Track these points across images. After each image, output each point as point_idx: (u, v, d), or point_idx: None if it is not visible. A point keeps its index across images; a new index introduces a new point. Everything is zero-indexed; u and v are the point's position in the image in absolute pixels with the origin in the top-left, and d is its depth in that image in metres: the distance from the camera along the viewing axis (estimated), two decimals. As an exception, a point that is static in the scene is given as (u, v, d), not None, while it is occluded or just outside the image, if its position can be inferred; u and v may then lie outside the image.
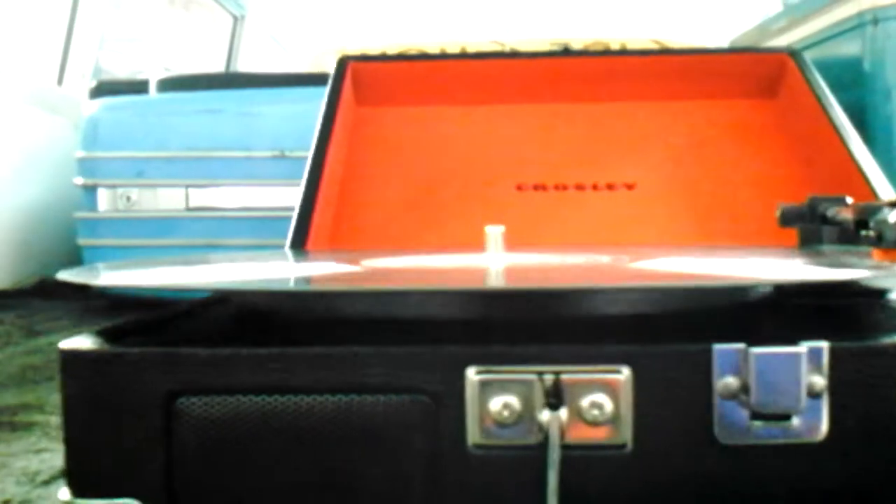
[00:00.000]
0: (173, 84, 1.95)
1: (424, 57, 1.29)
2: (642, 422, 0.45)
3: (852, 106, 1.34)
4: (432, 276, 0.60)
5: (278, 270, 0.66)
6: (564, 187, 1.23)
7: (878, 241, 0.53)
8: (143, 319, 0.55)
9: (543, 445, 0.45)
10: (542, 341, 0.46)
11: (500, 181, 1.24)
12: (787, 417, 0.45)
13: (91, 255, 1.91)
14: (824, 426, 0.45)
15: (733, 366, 0.45)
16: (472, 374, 0.45)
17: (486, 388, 0.45)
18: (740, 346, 0.45)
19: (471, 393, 0.45)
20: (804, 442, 0.45)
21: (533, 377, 0.45)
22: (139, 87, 2.04)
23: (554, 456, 0.44)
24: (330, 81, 1.24)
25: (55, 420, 0.96)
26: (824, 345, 0.45)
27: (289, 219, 1.11)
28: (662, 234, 1.16)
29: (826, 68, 1.28)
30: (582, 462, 0.45)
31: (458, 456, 0.46)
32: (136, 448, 0.46)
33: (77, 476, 0.47)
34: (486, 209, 1.21)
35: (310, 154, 1.15)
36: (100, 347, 0.47)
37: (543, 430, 0.45)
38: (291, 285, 0.54)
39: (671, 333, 0.46)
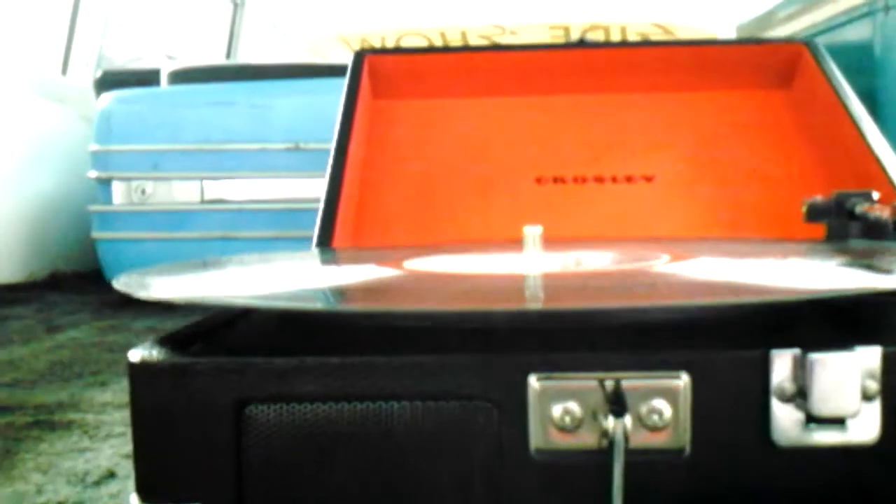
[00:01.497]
0: (185, 76, 1.95)
1: (441, 50, 1.29)
2: (701, 426, 0.46)
3: (862, 93, 1.35)
4: (483, 283, 0.61)
5: (324, 277, 0.67)
6: (584, 180, 1.24)
7: None
8: (199, 326, 0.56)
9: (604, 451, 0.46)
10: (599, 347, 0.47)
11: (520, 173, 1.25)
12: (842, 421, 0.46)
13: (105, 248, 1.92)
14: (878, 428, 0.46)
15: (789, 370, 0.46)
16: (533, 382, 0.47)
17: (547, 395, 0.47)
18: (797, 351, 0.46)
19: (533, 400, 0.47)
20: (858, 444, 0.46)
21: (594, 384, 0.46)
22: (146, 78, 2.04)
23: (619, 461, 0.45)
24: (347, 76, 1.25)
25: (91, 418, 0.97)
26: (878, 349, 0.46)
27: (304, 211, 1.13)
28: (682, 227, 1.17)
29: (836, 55, 1.29)
30: (641, 467, 0.46)
31: (521, 461, 0.47)
32: (206, 456, 0.47)
33: (147, 484, 0.48)
34: (506, 202, 1.22)
35: (331, 150, 1.16)
36: (169, 359, 0.48)
37: (607, 435, 0.46)
38: (355, 306, 0.55)
39: (726, 337, 0.47)
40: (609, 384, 0.46)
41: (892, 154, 1.10)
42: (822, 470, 0.46)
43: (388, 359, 0.47)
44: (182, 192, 1.85)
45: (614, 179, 1.24)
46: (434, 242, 1.15)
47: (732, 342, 0.47)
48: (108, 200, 1.88)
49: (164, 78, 1.96)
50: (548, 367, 0.47)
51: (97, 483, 0.75)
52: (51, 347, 1.38)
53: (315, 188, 1.11)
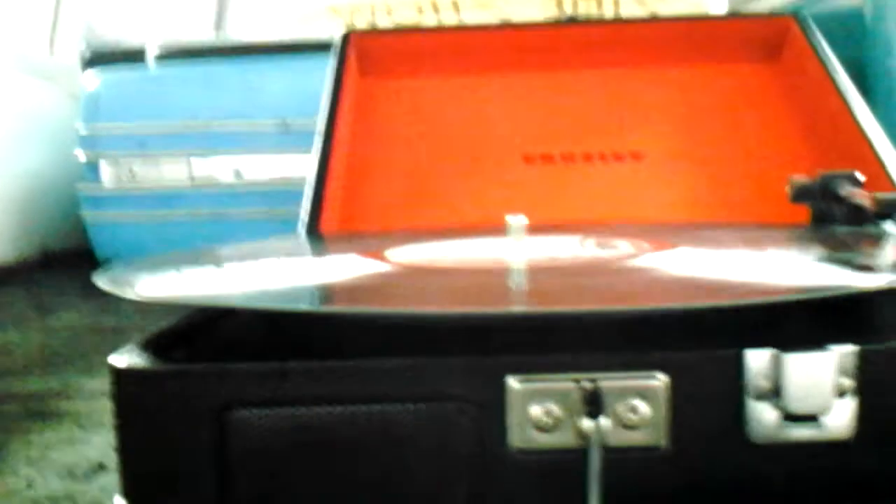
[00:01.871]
0: (173, 54, 1.94)
1: (428, 29, 1.29)
2: (678, 424, 0.47)
3: (852, 61, 1.34)
4: (463, 281, 0.61)
5: (307, 272, 0.67)
6: (572, 158, 1.24)
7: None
8: (183, 325, 0.57)
9: (584, 449, 0.47)
10: (577, 348, 0.48)
11: (508, 152, 1.25)
12: (816, 418, 0.47)
13: (96, 228, 1.91)
14: (853, 424, 0.47)
15: (765, 369, 0.47)
16: (513, 383, 0.47)
17: (526, 395, 0.47)
18: (772, 351, 0.47)
19: (512, 400, 0.47)
20: (834, 440, 0.47)
21: (572, 384, 0.47)
22: (134, 56, 2.02)
23: (596, 460, 0.46)
24: (334, 57, 1.24)
25: (83, 407, 0.98)
26: (852, 348, 0.47)
27: (295, 190, 1.12)
28: (671, 206, 1.17)
29: (826, 24, 1.28)
30: (620, 465, 0.47)
31: (502, 460, 0.48)
32: (191, 461, 0.48)
33: (132, 489, 0.49)
34: (495, 182, 1.22)
35: (318, 132, 1.15)
36: (152, 365, 0.49)
37: (584, 435, 0.47)
38: (336, 307, 0.55)
39: (702, 336, 0.48)
40: (586, 385, 0.47)
41: (879, 131, 1.10)
42: (799, 465, 0.47)
43: (369, 361, 0.48)
44: (171, 172, 1.85)
45: (603, 157, 1.24)
46: (423, 225, 1.15)
47: (709, 341, 0.48)
48: (97, 181, 1.88)
49: (150, 57, 1.94)
50: (527, 368, 0.47)
51: (87, 476, 0.76)
52: (42, 332, 1.38)
53: (306, 167, 1.10)
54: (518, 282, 0.58)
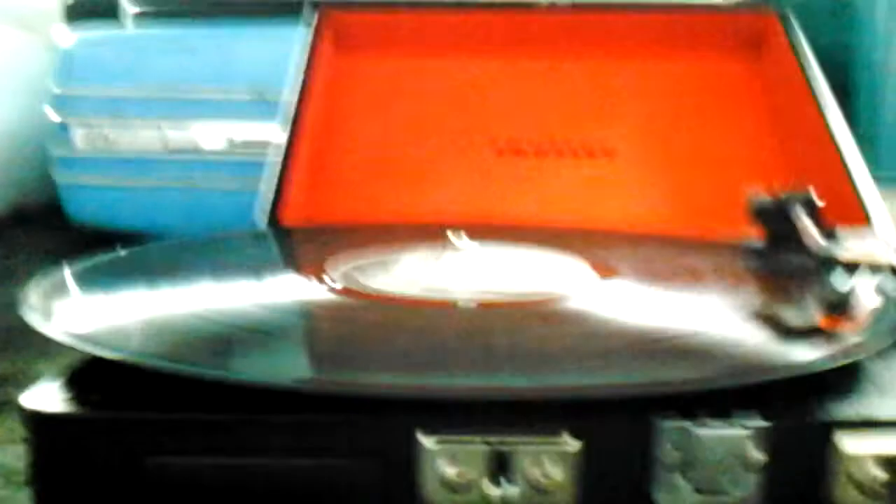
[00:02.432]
0: (150, 16, 1.90)
1: (406, 6, 1.26)
2: (589, 491, 0.47)
3: (837, 48, 1.32)
4: (392, 321, 0.61)
5: (226, 310, 0.63)
6: (544, 152, 1.22)
7: (832, 307, 0.55)
8: (98, 362, 0.55)
9: (493, 511, 0.47)
10: (491, 409, 0.47)
11: (480, 142, 1.23)
12: (727, 492, 0.47)
13: (66, 191, 1.89)
14: (762, 499, 0.47)
15: (677, 441, 0.47)
16: (423, 440, 0.47)
17: (437, 453, 0.47)
18: (685, 423, 0.46)
19: (423, 458, 0.47)
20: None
21: (484, 446, 0.47)
22: (115, 9, 1.98)
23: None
24: (306, 32, 1.21)
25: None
26: (764, 424, 0.46)
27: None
28: (637, 208, 1.15)
29: (814, 8, 1.26)
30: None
31: (411, 518, 0.48)
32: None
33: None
34: (465, 174, 1.21)
35: (285, 113, 1.13)
36: (65, 411, 0.48)
37: (492, 500, 0.47)
38: (237, 372, 0.53)
39: (617, 406, 0.48)
40: (498, 447, 0.47)
41: (850, 139, 1.09)
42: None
43: (280, 416, 0.48)
44: (145, 138, 1.82)
45: (574, 153, 1.22)
46: (388, 216, 1.13)
47: (623, 410, 0.48)
48: (70, 143, 1.85)
49: (128, 18, 1.91)
50: (438, 426, 0.47)
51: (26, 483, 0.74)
52: (2, 305, 1.35)
53: (274, 146, 1.09)
54: (435, 339, 0.58)
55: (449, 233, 0.72)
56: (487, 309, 0.63)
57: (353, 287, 0.66)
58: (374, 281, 0.68)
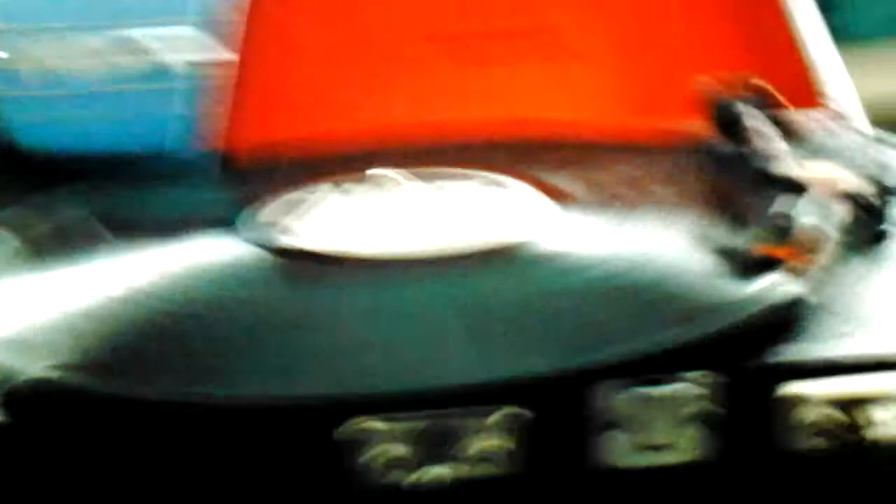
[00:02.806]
0: None
1: None
2: (530, 456, 0.46)
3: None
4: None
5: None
6: (489, 48, 1.16)
7: (778, 233, 0.52)
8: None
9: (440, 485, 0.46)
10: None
11: (417, 38, 1.18)
12: (668, 445, 0.47)
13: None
14: (703, 451, 0.47)
15: (616, 399, 0.46)
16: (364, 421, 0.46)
17: (374, 434, 0.46)
18: (624, 380, 0.46)
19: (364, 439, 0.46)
20: (683, 464, 0.47)
21: (424, 423, 0.46)
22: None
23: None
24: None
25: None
26: (706, 377, 0.46)
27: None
28: (588, 99, 1.11)
29: None
30: (475, 499, 0.47)
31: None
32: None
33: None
34: (410, 70, 1.15)
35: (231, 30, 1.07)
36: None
37: (436, 473, 0.46)
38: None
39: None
40: (437, 421, 0.46)
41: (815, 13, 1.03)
42: (650, 491, 0.47)
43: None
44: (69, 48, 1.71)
45: (517, 44, 1.16)
46: (341, 129, 1.08)
47: (563, 369, 0.47)
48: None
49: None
50: (377, 405, 0.46)
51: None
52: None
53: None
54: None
55: (370, 171, 0.67)
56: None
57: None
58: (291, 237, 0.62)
